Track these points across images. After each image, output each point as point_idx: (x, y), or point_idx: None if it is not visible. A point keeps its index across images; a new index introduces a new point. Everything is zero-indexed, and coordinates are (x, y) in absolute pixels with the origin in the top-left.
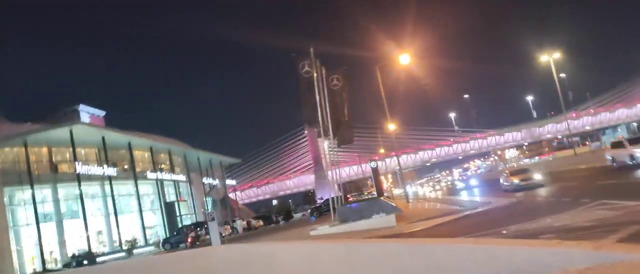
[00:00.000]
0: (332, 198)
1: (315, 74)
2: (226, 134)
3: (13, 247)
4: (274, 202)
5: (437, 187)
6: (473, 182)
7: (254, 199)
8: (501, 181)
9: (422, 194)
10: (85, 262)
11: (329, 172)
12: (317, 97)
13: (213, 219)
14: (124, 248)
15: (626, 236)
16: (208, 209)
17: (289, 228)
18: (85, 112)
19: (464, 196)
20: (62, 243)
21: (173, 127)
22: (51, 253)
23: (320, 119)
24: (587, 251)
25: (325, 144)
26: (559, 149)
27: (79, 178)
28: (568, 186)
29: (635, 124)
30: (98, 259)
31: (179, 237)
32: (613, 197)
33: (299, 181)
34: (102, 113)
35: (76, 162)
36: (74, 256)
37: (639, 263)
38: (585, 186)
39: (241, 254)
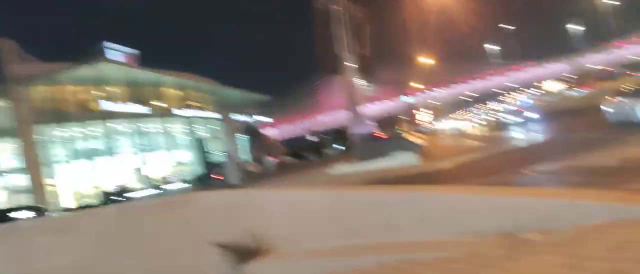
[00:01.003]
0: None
1: (334, 6)
2: (259, 72)
3: (47, 183)
4: (312, 137)
5: (479, 120)
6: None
7: (288, 136)
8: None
9: (457, 129)
10: (117, 198)
11: (362, 107)
12: (338, 30)
13: (231, 159)
14: (156, 184)
15: None
16: (238, 146)
17: (314, 166)
18: (116, 51)
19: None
20: (94, 180)
21: (204, 67)
22: (83, 189)
23: (341, 53)
24: (606, 204)
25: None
26: (603, 80)
27: (108, 116)
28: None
29: None
30: (129, 195)
31: (208, 174)
32: None
33: (332, 117)
34: (133, 51)
35: (105, 101)
36: (106, 192)
37: None
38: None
39: (227, 203)
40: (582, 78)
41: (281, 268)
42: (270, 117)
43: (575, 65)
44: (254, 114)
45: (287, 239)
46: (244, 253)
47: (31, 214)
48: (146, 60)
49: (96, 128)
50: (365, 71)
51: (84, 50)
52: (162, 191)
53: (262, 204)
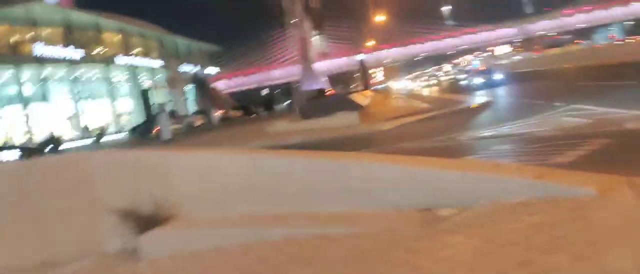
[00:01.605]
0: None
1: None
2: (210, 21)
3: None
4: (265, 91)
5: (432, 81)
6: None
7: (243, 88)
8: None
9: (409, 89)
10: (50, 147)
11: (315, 64)
12: None
13: (163, 112)
14: (93, 134)
15: (586, 153)
16: (185, 98)
17: (260, 121)
18: None
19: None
20: (26, 127)
21: (150, 12)
22: (13, 136)
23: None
24: (526, 180)
25: (313, 35)
26: (549, 47)
27: (40, 60)
28: (546, 86)
29: (631, 22)
30: (64, 146)
31: (147, 125)
32: (587, 102)
33: (286, 72)
34: None
35: (37, 43)
36: (37, 141)
37: (581, 201)
38: (562, 87)
39: (131, 163)
40: (530, 43)
41: (180, 237)
42: (221, 68)
43: (524, 30)
44: (204, 65)
45: (193, 206)
46: (145, 221)
47: None
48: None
49: (28, 72)
50: (316, 25)
51: None
52: (97, 141)
53: (170, 166)
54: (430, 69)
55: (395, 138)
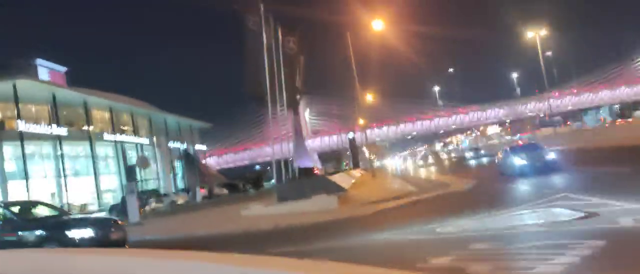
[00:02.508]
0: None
1: (265, 35)
2: (200, 99)
3: None
4: (257, 167)
5: (428, 160)
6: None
7: (231, 165)
8: (498, 160)
9: (402, 168)
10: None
11: (307, 142)
12: (268, 61)
13: (132, 192)
14: (74, 212)
15: (574, 261)
16: (176, 174)
17: (244, 200)
18: (44, 67)
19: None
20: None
21: (141, 90)
22: None
23: (268, 86)
24: None
25: (305, 113)
26: (540, 128)
27: (22, 136)
28: None
29: (617, 106)
30: None
31: (124, 204)
32: (581, 191)
33: (278, 149)
34: (62, 69)
35: (19, 120)
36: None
37: None
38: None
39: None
40: (521, 124)
41: None
42: (211, 146)
43: (514, 111)
44: (194, 142)
45: None
46: None
47: None
48: (80, 79)
49: (11, 149)
50: (294, 103)
51: (8, 64)
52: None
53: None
54: (421, 147)
55: (369, 226)
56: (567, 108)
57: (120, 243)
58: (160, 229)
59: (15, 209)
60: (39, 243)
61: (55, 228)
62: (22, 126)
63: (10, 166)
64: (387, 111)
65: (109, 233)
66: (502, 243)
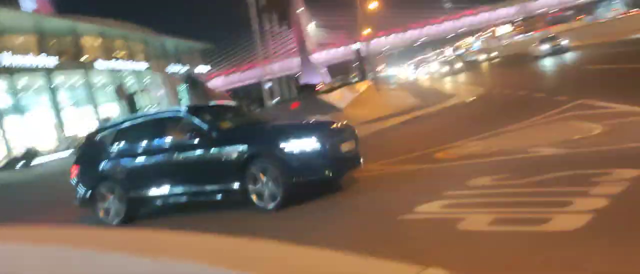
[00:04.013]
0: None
1: None
2: (200, 18)
3: None
4: (269, 85)
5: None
6: None
7: (239, 84)
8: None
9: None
10: (22, 162)
11: (313, 55)
12: None
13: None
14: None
15: (603, 206)
16: (180, 99)
17: None
18: None
19: None
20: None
21: (136, 15)
22: None
23: None
24: None
25: (310, 26)
26: (552, 24)
27: (11, 70)
28: (551, 72)
29: None
30: (39, 159)
31: None
32: (600, 95)
33: (284, 65)
34: None
35: (5, 52)
36: (10, 155)
37: None
38: (568, 72)
39: None
40: (531, 22)
41: None
42: (215, 66)
43: (525, 8)
44: (195, 64)
45: None
46: None
47: None
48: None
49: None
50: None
51: None
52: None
53: None
54: (432, 54)
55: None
56: (579, 1)
57: (355, 162)
58: None
59: (206, 115)
60: (244, 165)
61: (264, 140)
62: (8, 58)
63: (4, 101)
64: (393, 18)
65: (341, 144)
66: (506, 177)
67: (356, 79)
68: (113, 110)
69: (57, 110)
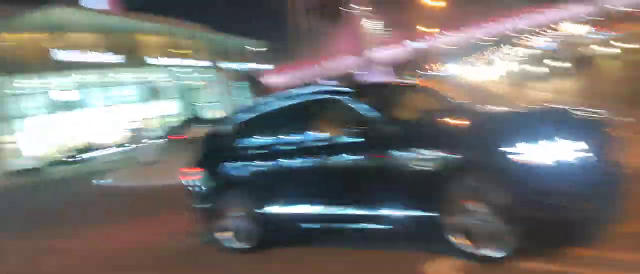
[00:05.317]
0: None
1: None
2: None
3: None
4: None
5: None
6: None
7: (297, 82)
8: None
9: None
10: (80, 156)
11: (373, 54)
12: None
13: (140, 129)
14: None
15: None
16: (233, 98)
17: None
18: None
19: None
20: (61, 137)
21: (198, 13)
22: (46, 147)
23: None
24: None
25: (369, 23)
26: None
27: (74, 66)
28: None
29: None
30: (96, 153)
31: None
32: None
33: (341, 63)
34: None
35: (69, 50)
36: (71, 149)
37: None
38: None
39: None
40: (608, 20)
41: None
42: (274, 64)
43: (602, 6)
44: (255, 62)
45: None
46: None
47: None
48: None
49: (61, 80)
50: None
51: None
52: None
53: None
54: (491, 53)
55: None
56: None
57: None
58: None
59: (379, 99)
60: (440, 182)
61: (478, 141)
62: (73, 55)
63: (67, 95)
64: (455, 16)
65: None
66: None
67: (413, 78)
68: (172, 107)
69: (118, 106)
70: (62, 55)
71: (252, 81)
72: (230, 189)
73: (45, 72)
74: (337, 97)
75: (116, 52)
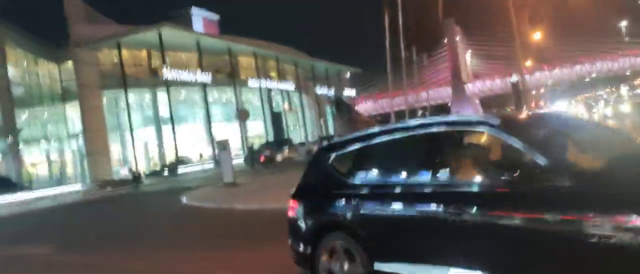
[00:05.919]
0: None
1: None
2: (352, 43)
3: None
4: (419, 113)
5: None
6: None
7: (388, 110)
8: None
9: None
10: (173, 170)
11: (467, 85)
12: None
13: (224, 148)
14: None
15: None
16: (326, 121)
17: None
18: (198, 16)
19: None
20: (155, 149)
21: (290, 35)
22: (141, 159)
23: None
24: None
25: (466, 55)
26: None
27: (173, 83)
28: None
29: None
30: (186, 168)
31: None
32: None
33: (436, 94)
34: (216, 17)
35: (169, 68)
36: (166, 163)
37: None
38: None
39: None
40: None
41: None
42: (364, 91)
43: None
44: (343, 88)
45: None
46: None
47: None
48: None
49: (161, 95)
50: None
51: (166, 12)
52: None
53: None
54: (601, 93)
55: None
56: None
57: None
58: (248, 195)
59: (545, 137)
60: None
61: None
62: (170, 73)
63: (163, 112)
64: (559, 50)
65: None
66: None
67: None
68: (259, 127)
69: (209, 123)
70: (168, 72)
71: (340, 105)
72: (337, 231)
73: (153, 88)
74: (484, 128)
75: (215, 72)
